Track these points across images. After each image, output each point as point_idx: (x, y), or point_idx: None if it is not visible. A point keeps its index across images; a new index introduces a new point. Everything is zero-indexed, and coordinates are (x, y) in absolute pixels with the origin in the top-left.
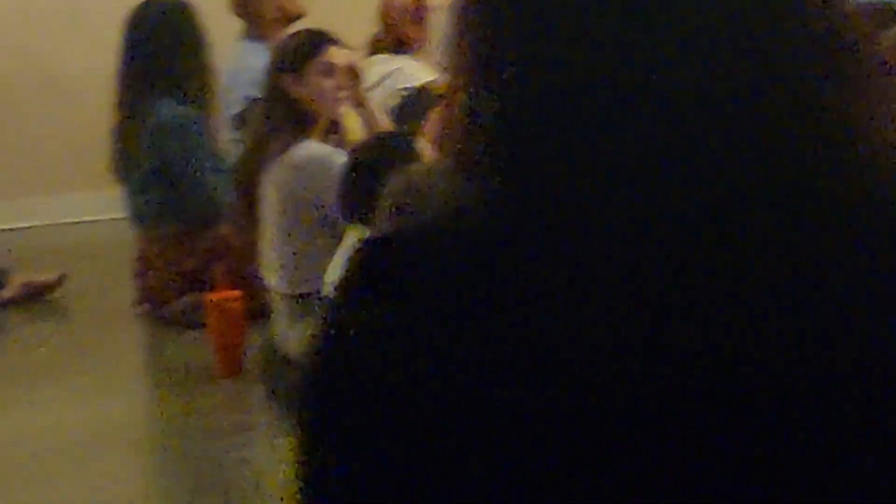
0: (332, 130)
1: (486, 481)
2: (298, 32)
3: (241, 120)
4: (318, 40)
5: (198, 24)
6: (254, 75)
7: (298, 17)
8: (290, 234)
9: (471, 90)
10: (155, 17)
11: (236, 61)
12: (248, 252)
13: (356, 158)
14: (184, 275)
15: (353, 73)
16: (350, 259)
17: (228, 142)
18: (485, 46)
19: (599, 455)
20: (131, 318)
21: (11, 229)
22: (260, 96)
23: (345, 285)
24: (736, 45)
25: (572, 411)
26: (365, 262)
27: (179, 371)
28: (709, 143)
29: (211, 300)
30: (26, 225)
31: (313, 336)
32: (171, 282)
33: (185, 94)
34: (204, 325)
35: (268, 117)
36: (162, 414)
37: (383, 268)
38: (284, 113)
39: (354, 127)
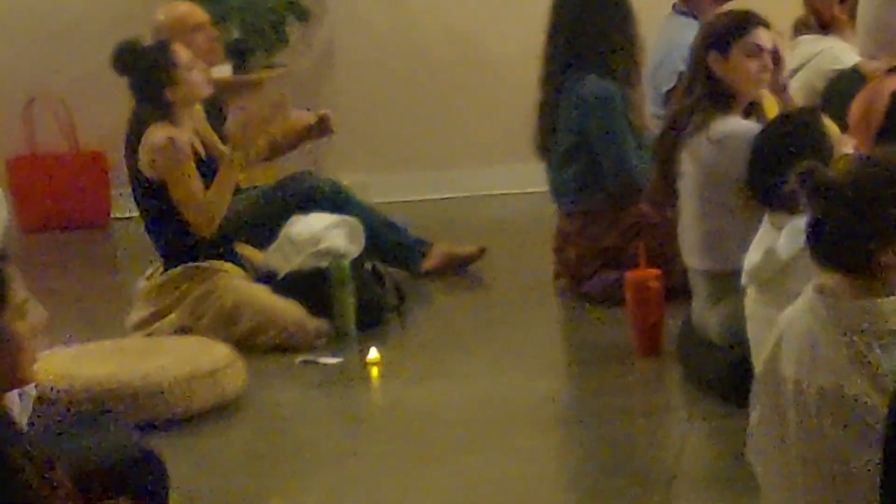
0: (750, 112)
1: None
2: (727, 12)
3: (672, 96)
4: (746, 21)
5: None
6: (686, 52)
7: None
8: (709, 212)
9: None
10: None
11: (668, 36)
12: (668, 229)
13: (764, 139)
14: (603, 251)
15: (777, 58)
16: None
17: (655, 117)
18: None
19: None
20: (549, 292)
21: (435, 200)
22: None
23: None
24: None
25: None
26: None
27: (596, 348)
28: None
29: (630, 278)
30: (449, 196)
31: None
32: (590, 258)
33: (610, 70)
34: (623, 303)
35: (690, 93)
36: (577, 391)
37: None
38: (707, 90)
39: (772, 110)
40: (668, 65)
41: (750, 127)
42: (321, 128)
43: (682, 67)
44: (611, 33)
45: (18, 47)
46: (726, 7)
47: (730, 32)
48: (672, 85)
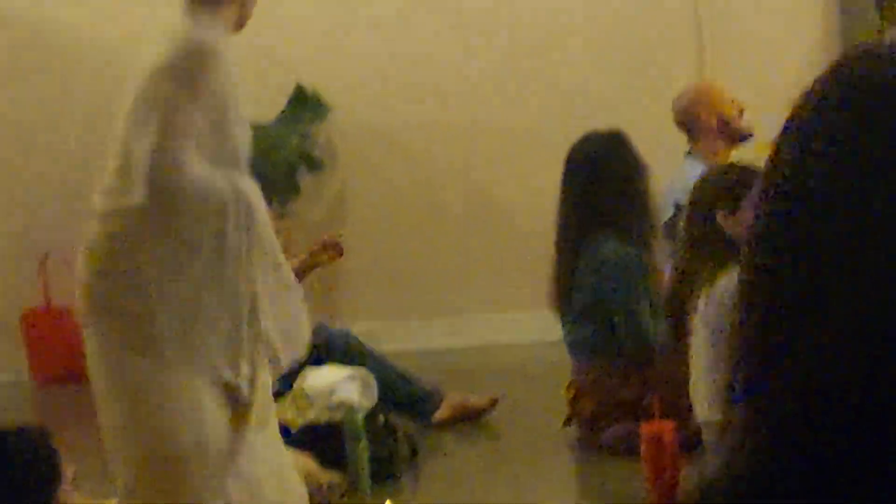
0: None
1: None
2: (730, 167)
3: (671, 228)
4: (752, 177)
5: (635, 156)
6: (686, 185)
7: (746, 136)
8: (718, 366)
9: None
10: (593, 152)
11: (674, 175)
12: (682, 382)
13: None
14: (618, 404)
15: None
16: None
17: (659, 253)
18: None
19: None
20: (563, 443)
21: (447, 348)
22: (686, 222)
23: None
24: None
25: None
26: None
27: (611, 500)
28: None
29: (645, 430)
30: (461, 344)
31: None
32: (605, 411)
33: (625, 232)
34: (638, 455)
35: (697, 249)
36: None
37: None
38: (713, 246)
39: None
40: (669, 196)
41: None
42: (330, 250)
43: (682, 199)
44: (624, 195)
45: (35, 202)
46: (728, 153)
47: (738, 189)
48: (671, 215)
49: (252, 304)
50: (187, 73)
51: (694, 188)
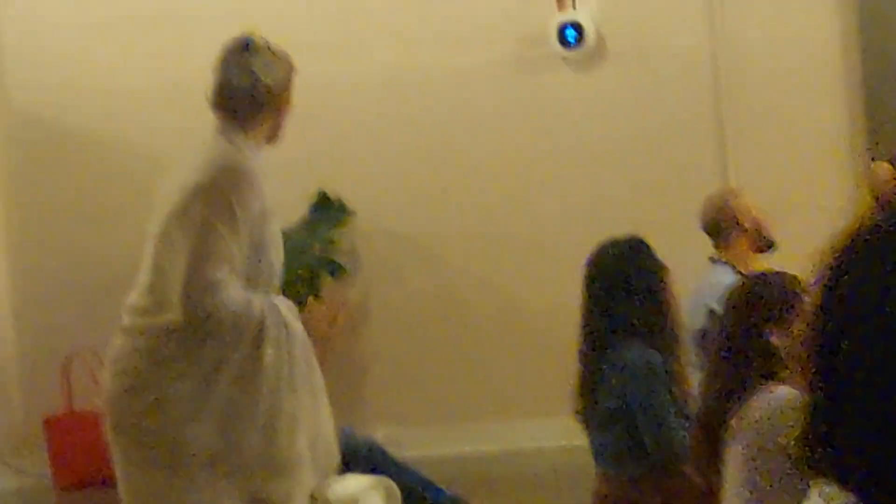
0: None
1: None
2: (776, 277)
3: (702, 335)
4: (798, 287)
5: (656, 261)
6: (718, 290)
7: (770, 245)
8: (752, 483)
9: None
10: (612, 258)
11: (700, 279)
12: (713, 495)
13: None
14: None
15: None
16: None
17: (691, 364)
18: None
19: None
20: None
21: (470, 454)
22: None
23: None
24: None
25: None
26: None
27: None
28: None
29: None
30: (485, 451)
31: None
32: None
33: (648, 336)
34: None
35: (741, 365)
36: None
37: None
38: (756, 360)
39: None
40: (699, 303)
41: (798, 397)
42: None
43: (714, 305)
44: (646, 301)
45: (56, 305)
46: (756, 259)
47: (785, 302)
48: (704, 325)
49: (289, 423)
50: (222, 196)
51: (733, 298)
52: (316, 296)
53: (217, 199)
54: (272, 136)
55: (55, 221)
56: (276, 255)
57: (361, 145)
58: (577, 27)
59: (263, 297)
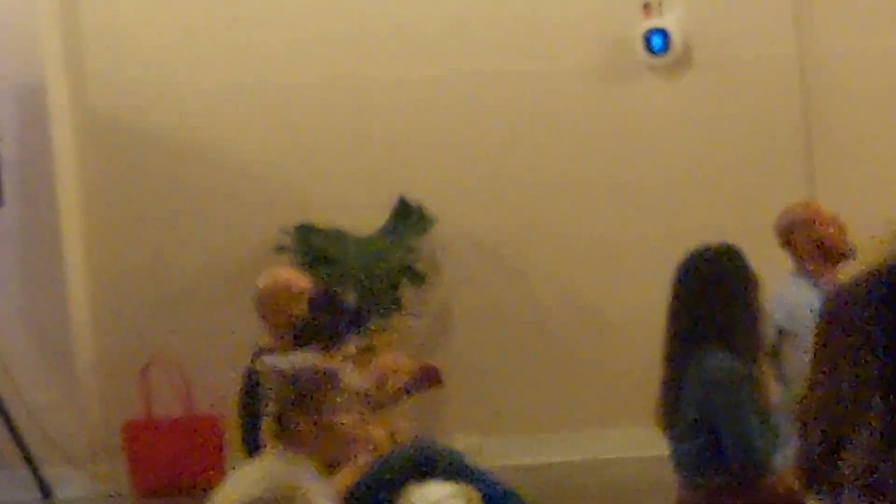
0: None
1: None
2: None
3: (773, 351)
4: None
5: (747, 270)
6: (791, 309)
7: (845, 255)
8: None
9: None
10: (703, 265)
11: (775, 296)
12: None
13: None
14: None
15: None
16: None
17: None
18: None
19: None
20: None
21: (551, 464)
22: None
23: None
24: None
25: None
26: None
27: None
28: None
29: None
30: (565, 460)
31: None
32: None
33: (734, 347)
34: None
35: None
36: None
37: None
38: None
39: None
40: (771, 320)
41: None
42: (430, 379)
43: (784, 324)
44: (736, 309)
45: (135, 310)
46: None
47: None
48: (773, 341)
49: None
50: None
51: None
52: (397, 305)
53: None
54: None
55: (134, 226)
56: None
57: (443, 152)
58: (664, 34)
59: None
